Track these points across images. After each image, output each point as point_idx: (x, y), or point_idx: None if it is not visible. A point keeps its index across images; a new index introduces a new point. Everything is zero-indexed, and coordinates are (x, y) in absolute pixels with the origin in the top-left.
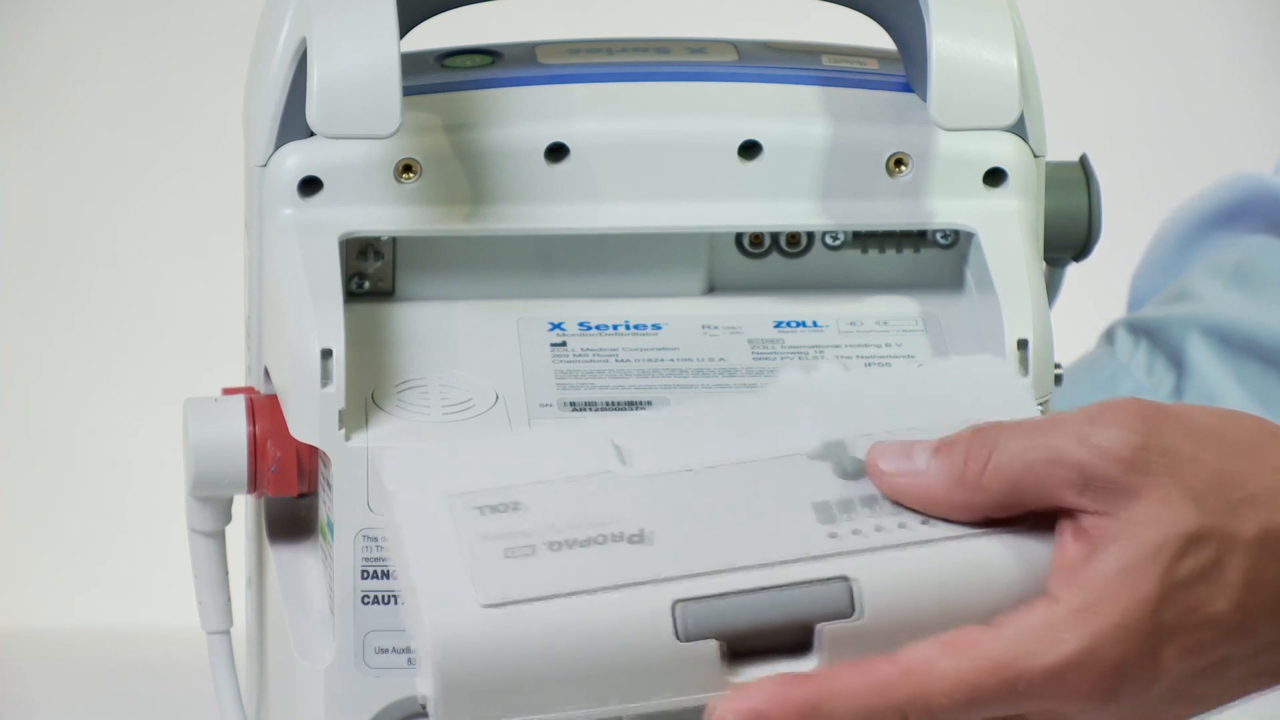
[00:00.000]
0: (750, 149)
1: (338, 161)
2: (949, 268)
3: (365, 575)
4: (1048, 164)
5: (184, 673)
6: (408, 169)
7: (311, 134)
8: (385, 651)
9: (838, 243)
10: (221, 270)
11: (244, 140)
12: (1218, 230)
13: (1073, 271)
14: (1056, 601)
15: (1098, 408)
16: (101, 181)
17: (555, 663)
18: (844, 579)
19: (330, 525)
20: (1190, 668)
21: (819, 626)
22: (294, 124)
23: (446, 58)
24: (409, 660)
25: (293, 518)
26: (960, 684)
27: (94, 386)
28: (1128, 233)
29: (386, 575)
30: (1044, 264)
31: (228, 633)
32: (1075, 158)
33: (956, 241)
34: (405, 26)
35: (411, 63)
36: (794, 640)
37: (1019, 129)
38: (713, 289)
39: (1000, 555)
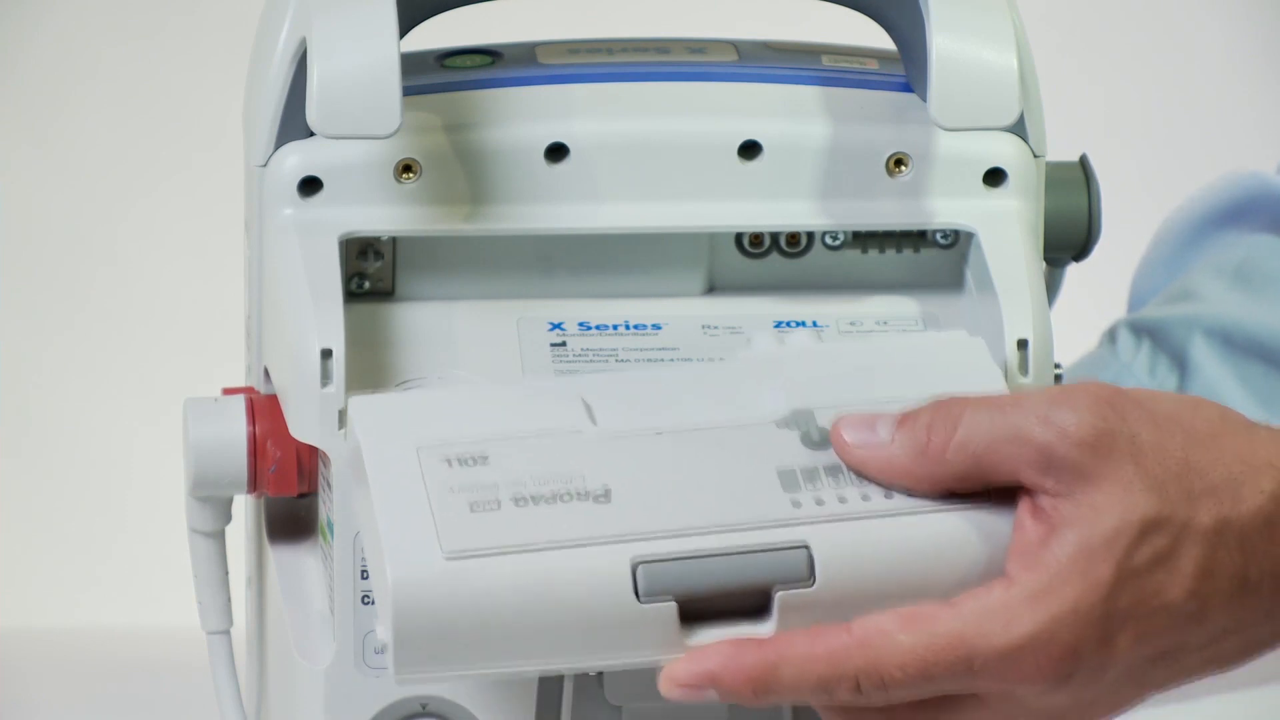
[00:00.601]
0: (750, 149)
1: (338, 161)
2: (949, 268)
3: (365, 575)
4: (1048, 164)
5: (184, 673)
6: (408, 169)
7: (311, 134)
8: (385, 651)
9: (838, 243)
10: (221, 270)
11: (244, 140)
12: (1219, 229)
13: (1073, 271)
14: (1013, 583)
15: (1061, 389)
16: (101, 181)
17: (513, 616)
18: (804, 546)
19: (330, 525)
20: (1144, 654)
21: (777, 593)
22: (294, 124)
23: (446, 58)
24: None
25: (293, 518)
26: (914, 658)
27: (94, 387)
28: (1128, 233)
29: None
30: (1044, 264)
31: (228, 633)
32: (1075, 158)
33: (956, 241)
34: (405, 26)
35: (411, 63)
36: (751, 605)
37: (1019, 129)
38: (713, 289)
39: (960, 530)
